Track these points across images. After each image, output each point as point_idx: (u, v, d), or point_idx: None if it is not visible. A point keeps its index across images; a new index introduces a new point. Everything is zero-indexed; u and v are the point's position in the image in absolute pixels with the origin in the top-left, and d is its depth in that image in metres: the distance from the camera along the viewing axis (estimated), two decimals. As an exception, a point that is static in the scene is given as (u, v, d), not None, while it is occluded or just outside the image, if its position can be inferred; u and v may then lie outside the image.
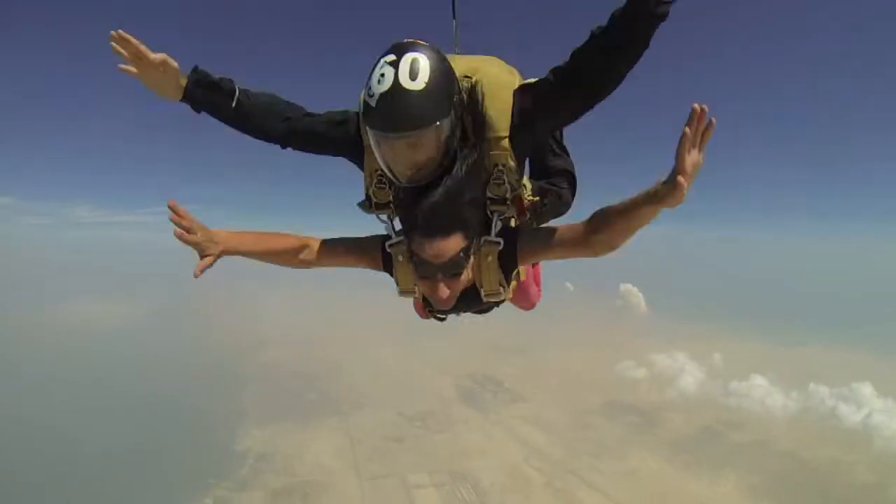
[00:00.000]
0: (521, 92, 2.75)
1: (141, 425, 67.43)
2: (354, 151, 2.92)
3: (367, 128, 2.50)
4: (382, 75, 2.34)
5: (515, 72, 2.98)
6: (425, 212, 2.47)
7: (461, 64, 2.80)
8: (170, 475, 58.39)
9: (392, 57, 2.36)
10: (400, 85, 2.30)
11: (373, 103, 2.37)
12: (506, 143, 2.72)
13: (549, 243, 2.86)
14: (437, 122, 2.40)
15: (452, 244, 2.54)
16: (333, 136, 2.96)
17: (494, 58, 3.02)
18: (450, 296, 2.70)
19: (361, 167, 2.96)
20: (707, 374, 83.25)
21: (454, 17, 3.44)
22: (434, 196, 2.45)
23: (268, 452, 67.13)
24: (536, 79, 2.75)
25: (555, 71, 2.60)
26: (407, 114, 2.34)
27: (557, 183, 3.50)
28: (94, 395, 74.55)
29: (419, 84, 2.32)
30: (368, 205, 2.95)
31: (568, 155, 3.64)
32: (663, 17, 2.25)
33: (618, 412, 78.13)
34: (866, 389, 65.15)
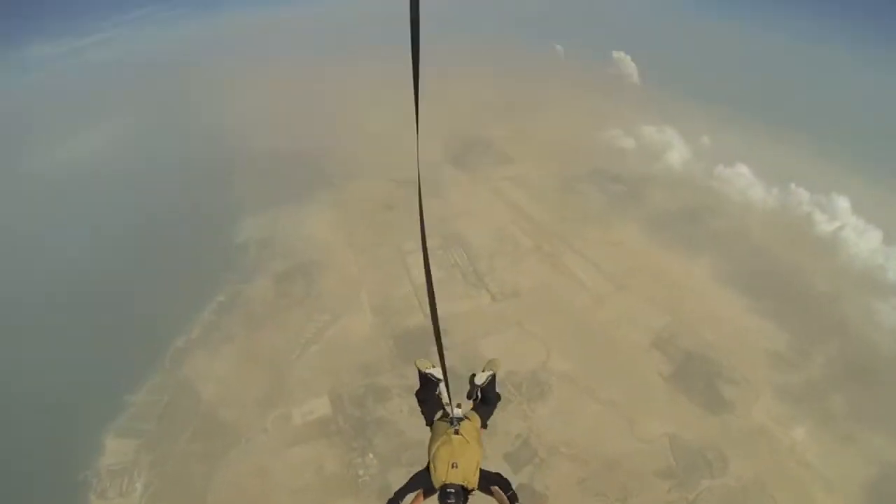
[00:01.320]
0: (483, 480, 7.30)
1: (145, 240, 66.96)
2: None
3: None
4: None
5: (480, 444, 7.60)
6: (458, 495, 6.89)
7: (468, 459, 7.22)
8: (181, 282, 59.75)
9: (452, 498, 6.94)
10: None
11: None
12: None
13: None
14: None
15: None
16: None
17: (475, 447, 7.41)
18: None
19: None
20: (694, 154, 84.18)
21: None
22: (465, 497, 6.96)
23: (267, 238, 68.75)
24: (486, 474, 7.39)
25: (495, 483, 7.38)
26: None
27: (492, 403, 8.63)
28: (94, 219, 72.77)
29: None
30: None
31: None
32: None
33: (604, 181, 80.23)
34: (844, 203, 67.16)
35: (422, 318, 56.21)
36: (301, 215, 72.73)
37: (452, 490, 6.90)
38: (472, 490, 7.29)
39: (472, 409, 8.35)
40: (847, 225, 65.12)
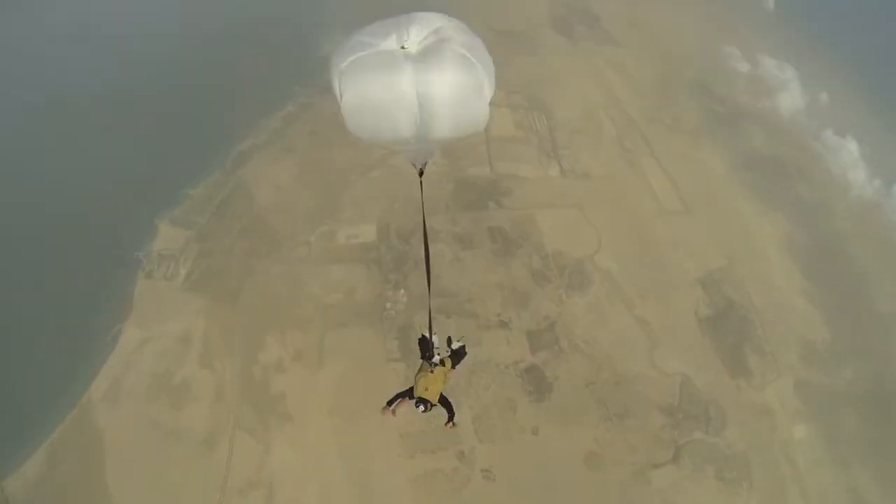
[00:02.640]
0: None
1: (226, 43, 61.50)
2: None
3: None
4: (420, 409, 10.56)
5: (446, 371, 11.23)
6: (423, 405, 10.51)
7: (434, 387, 10.69)
8: (251, 85, 57.30)
9: (422, 407, 10.46)
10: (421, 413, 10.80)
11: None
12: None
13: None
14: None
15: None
16: None
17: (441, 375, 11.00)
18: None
19: None
20: (806, 107, 73.67)
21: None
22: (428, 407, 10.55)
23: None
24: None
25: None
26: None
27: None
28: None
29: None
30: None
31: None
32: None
33: (704, 96, 72.30)
34: (939, 236, 58.74)
35: (487, 171, 54.95)
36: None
37: (422, 402, 10.37)
38: (435, 404, 10.69)
39: (448, 355, 11.92)
40: (933, 257, 58.10)
